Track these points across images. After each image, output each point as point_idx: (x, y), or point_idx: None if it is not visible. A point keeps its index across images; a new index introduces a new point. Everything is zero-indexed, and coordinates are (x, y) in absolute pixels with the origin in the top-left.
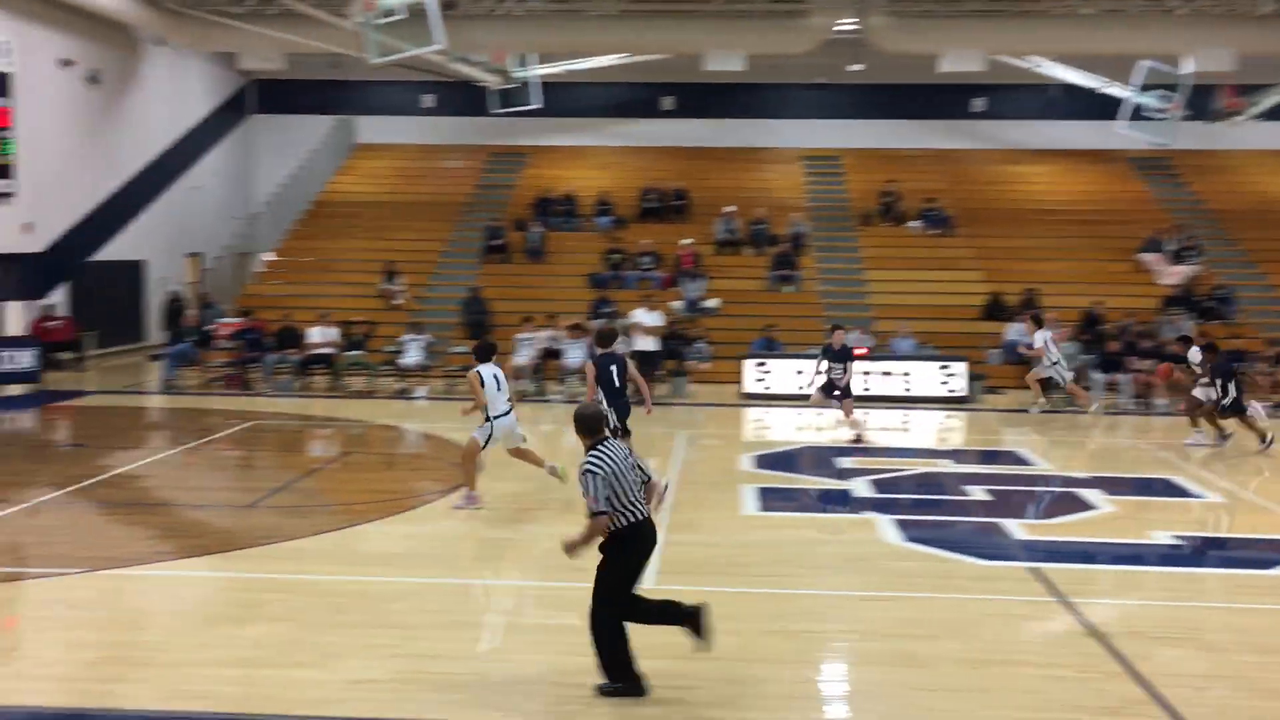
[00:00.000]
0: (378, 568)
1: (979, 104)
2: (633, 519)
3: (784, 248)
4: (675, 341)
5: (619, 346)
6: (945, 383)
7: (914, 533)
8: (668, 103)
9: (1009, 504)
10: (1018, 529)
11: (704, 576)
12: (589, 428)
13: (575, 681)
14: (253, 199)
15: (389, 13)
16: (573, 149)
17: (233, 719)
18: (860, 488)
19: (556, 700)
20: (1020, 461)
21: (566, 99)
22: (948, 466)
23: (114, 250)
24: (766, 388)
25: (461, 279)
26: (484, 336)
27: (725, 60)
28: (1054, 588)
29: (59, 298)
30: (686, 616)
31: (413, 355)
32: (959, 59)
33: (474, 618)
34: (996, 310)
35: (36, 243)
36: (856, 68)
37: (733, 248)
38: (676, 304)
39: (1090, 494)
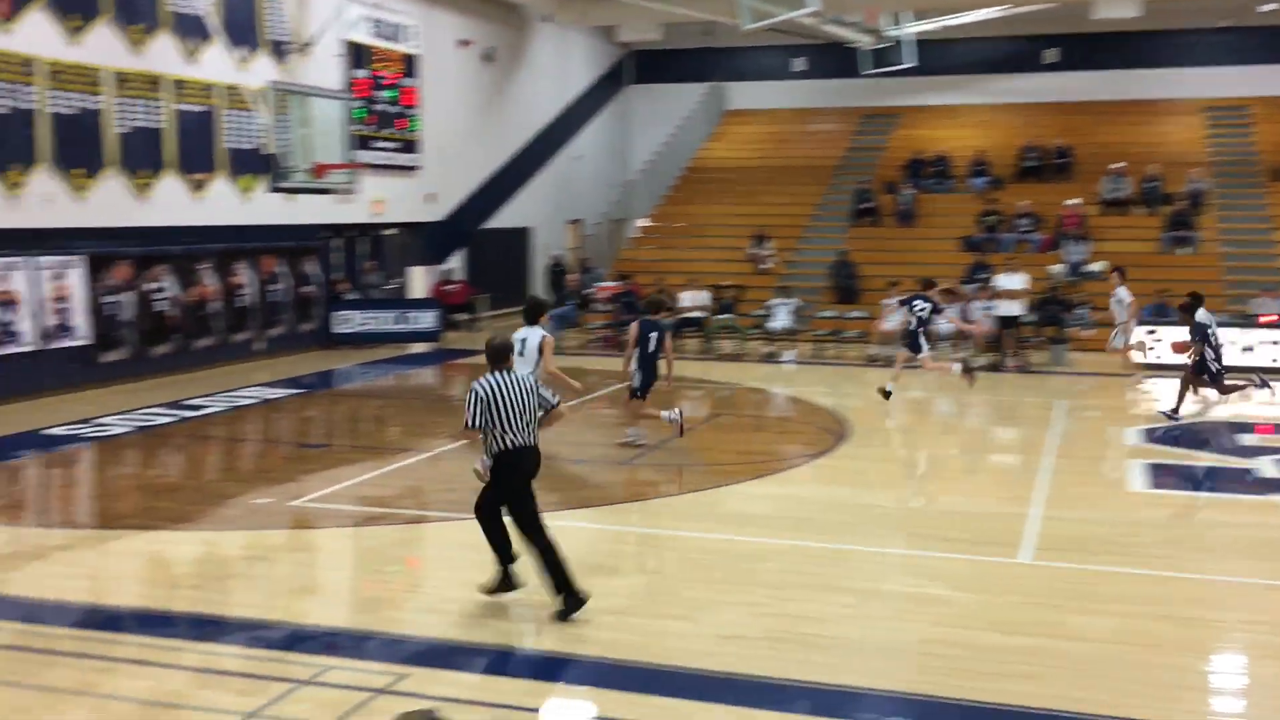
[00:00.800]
0: (747, 527)
1: None
2: (509, 445)
3: (1180, 206)
4: (1054, 307)
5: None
6: None
7: None
8: (1050, 55)
9: None
10: None
11: (1085, 554)
12: (490, 356)
13: (943, 652)
14: (628, 167)
15: None
16: (947, 108)
17: (613, 665)
18: (1266, 467)
19: (925, 670)
20: None
21: (941, 56)
22: None
23: (503, 218)
24: (1158, 357)
25: (830, 243)
26: (531, 297)
27: (1118, 6)
28: None
29: (456, 263)
30: (506, 558)
31: (781, 319)
32: None
33: (840, 582)
34: None
35: (438, 212)
36: (1268, 8)
37: (1121, 207)
38: (1057, 268)
39: None
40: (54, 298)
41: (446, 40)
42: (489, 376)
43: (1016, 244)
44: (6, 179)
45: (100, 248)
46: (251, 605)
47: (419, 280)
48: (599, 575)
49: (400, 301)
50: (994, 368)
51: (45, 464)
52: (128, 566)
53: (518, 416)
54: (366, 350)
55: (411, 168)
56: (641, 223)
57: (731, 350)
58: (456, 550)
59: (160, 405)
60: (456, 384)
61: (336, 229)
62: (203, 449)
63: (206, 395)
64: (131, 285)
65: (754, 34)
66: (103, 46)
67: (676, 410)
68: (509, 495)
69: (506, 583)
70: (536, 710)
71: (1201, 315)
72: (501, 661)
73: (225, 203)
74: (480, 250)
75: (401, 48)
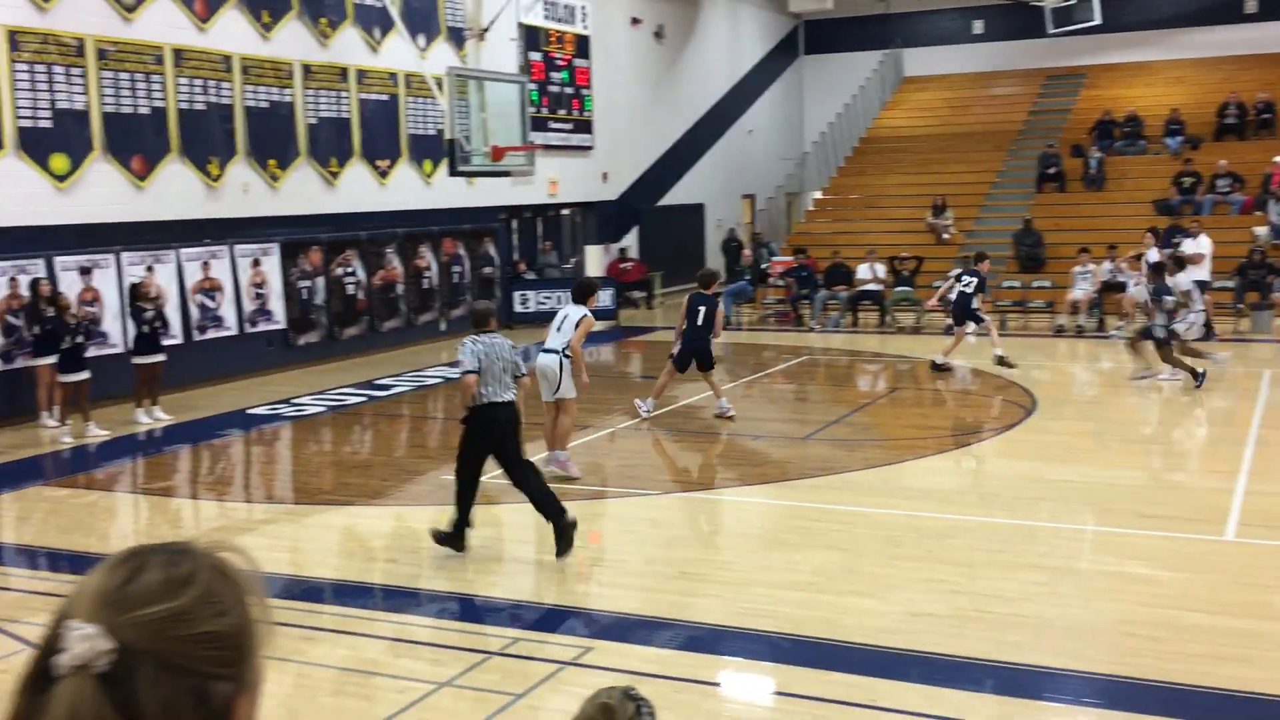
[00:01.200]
0: (930, 503)
1: None
2: (485, 401)
3: None
4: (1258, 271)
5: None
6: None
7: None
8: (1252, 4)
9: None
10: None
11: None
12: (474, 320)
13: (1143, 634)
14: (802, 140)
15: None
16: (1137, 65)
17: (796, 640)
18: None
19: (1123, 651)
20: None
21: (1130, 11)
22: None
23: (676, 195)
24: None
25: (1013, 211)
26: (581, 277)
27: None
28: None
29: (630, 241)
30: (463, 519)
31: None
32: None
33: (1032, 559)
34: None
35: (611, 191)
36: None
37: None
38: (1261, 230)
39: None
40: (252, 284)
41: (617, 19)
42: (476, 337)
43: (1215, 205)
44: (209, 172)
45: (293, 234)
46: (441, 578)
47: (594, 259)
48: (782, 550)
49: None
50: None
51: (247, 442)
52: (326, 540)
53: (499, 375)
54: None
55: (585, 148)
56: (816, 195)
57: (911, 323)
58: (637, 525)
59: (351, 385)
60: (633, 361)
61: (514, 210)
62: (392, 427)
63: (394, 375)
64: (322, 270)
65: None
66: (293, 41)
67: (646, 407)
68: (487, 446)
69: (455, 539)
70: (717, 684)
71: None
72: (684, 635)
73: (408, 188)
74: (654, 228)
75: (574, 29)
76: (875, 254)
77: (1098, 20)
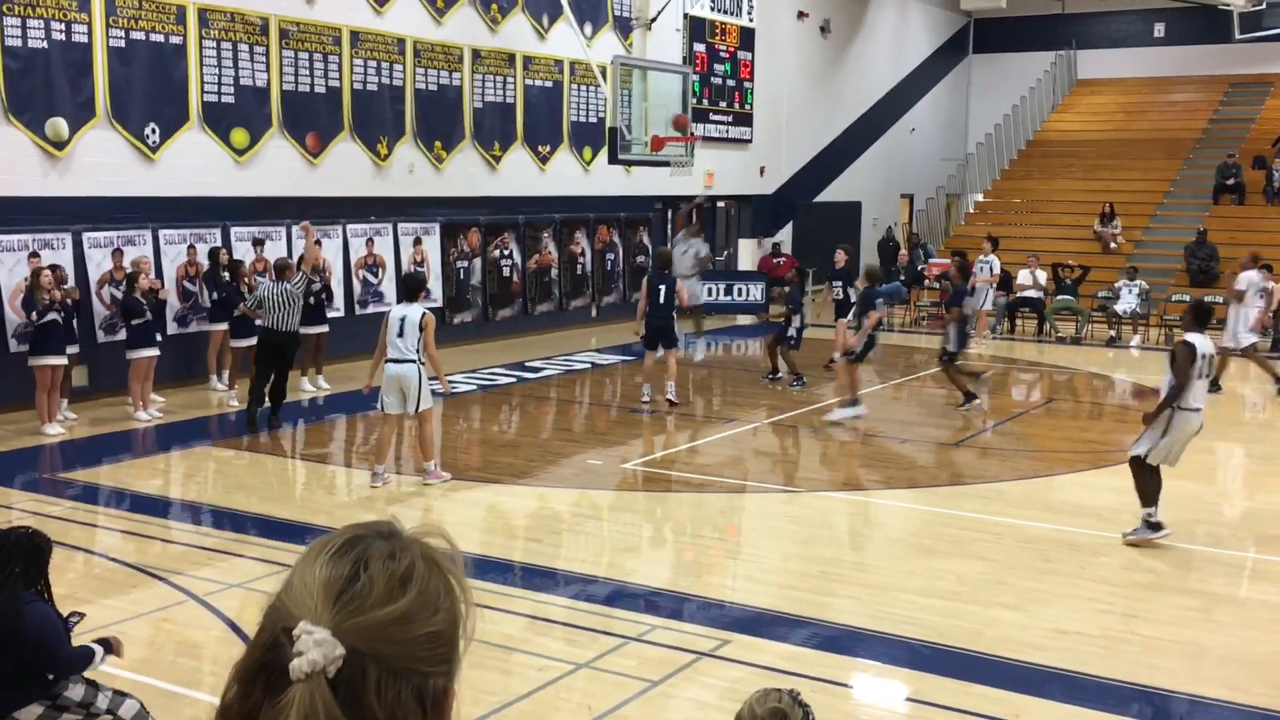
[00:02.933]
0: (1082, 519)
1: None
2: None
3: None
4: None
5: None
6: None
7: None
8: None
9: None
10: None
11: None
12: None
13: None
14: (966, 140)
15: None
16: None
17: (937, 649)
18: None
19: None
20: None
21: None
22: None
23: (833, 192)
24: None
25: (1186, 222)
26: (413, 273)
27: None
28: None
29: (783, 236)
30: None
31: (1127, 302)
32: None
33: (1188, 584)
34: None
35: (767, 185)
36: None
37: None
38: None
39: None
40: (412, 262)
41: (783, 12)
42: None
43: None
44: (378, 151)
45: (453, 215)
46: (581, 560)
47: (747, 252)
48: (926, 557)
49: (728, 273)
50: None
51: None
52: (472, 515)
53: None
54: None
55: (744, 140)
56: (977, 198)
57: (1072, 333)
58: (776, 521)
59: (502, 366)
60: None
61: (669, 201)
62: (539, 409)
63: (544, 358)
64: (480, 251)
65: None
66: (463, 26)
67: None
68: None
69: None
70: (849, 685)
71: None
72: (822, 635)
73: (567, 174)
74: (809, 224)
75: (739, 21)
76: (1038, 260)
77: None
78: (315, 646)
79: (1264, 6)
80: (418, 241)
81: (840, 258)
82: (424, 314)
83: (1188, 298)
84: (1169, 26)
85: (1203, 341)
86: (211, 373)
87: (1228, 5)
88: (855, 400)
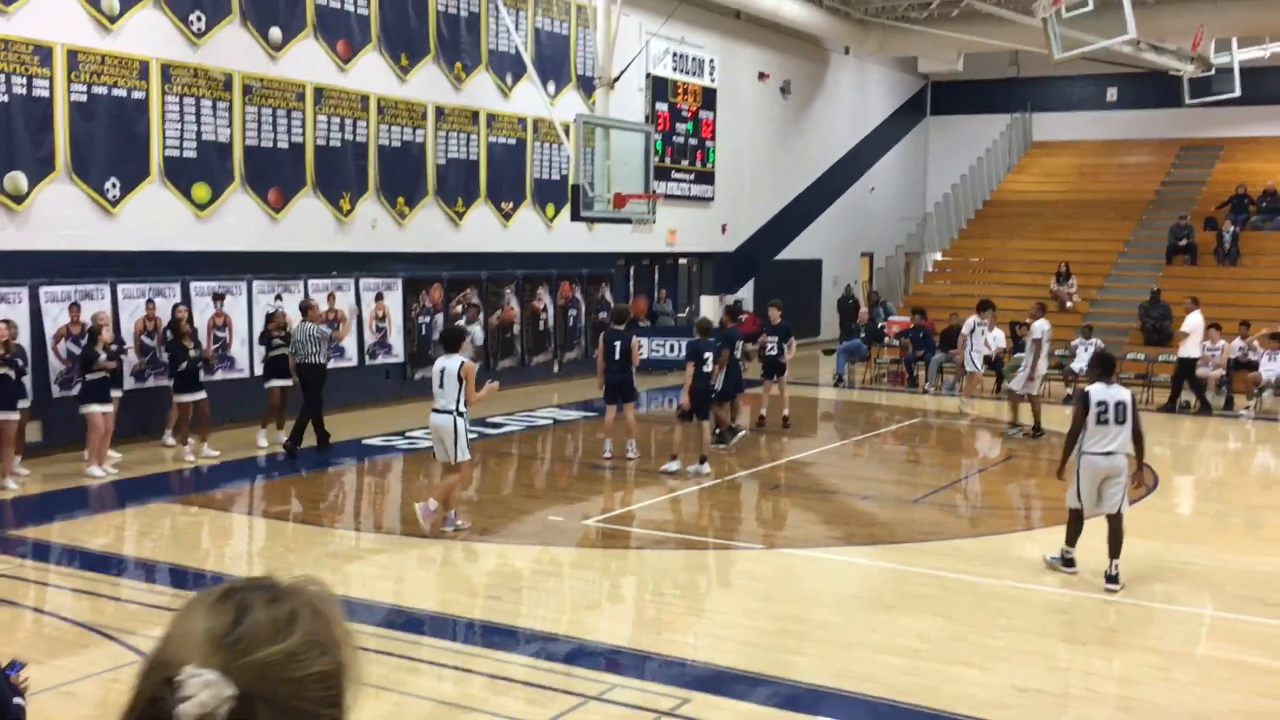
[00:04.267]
0: (1042, 575)
1: None
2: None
3: None
4: None
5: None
6: None
7: None
8: None
9: None
10: None
11: None
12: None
13: None
14: (924, 200)
15: (1078, 4)
16: (1277, 139)
17: (896, 707)
18: None
19: None
20: None
21: (1271, 83)
22: None
23: (794, 249)
24: None
25: (1140, 282)
26: (452, 326)
27: None
28: None
29: (745, 293)
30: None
31: (1083, 360)
32: None
33: (1145, 641)
34: None
35: (729, 243)
36: None
37: None
38: None
39: None
40: (374, 317)
41: (744, 73)
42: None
43: None
44: (340, 207)
45: (416, 270)
46: (541, 618)
47: (709, 309)
48: (886, 613)
49: (690, 329)
50: None
51: (360, 472)
52: (432, 572)
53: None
54: (656, 376)
55: (706, 198)
56: (936, 257)
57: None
58: (736, 578)
59: None
60: (743, 414)
61: (631, 258)
62: (500, 465)
63: (506, 414)
64: (442, 307)
65: (1064, 63)
66: (428, 84)
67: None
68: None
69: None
70: None
71: None
72: (783, 693)
73: (530, 230)
74: (770, 281)
75: (701, 81)
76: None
77: (1237, 92)
78: (204, 688)
79: (1213, 73)
80: (379, 297)
81: (774, 314)
82: (462, 364)
83: (1143, 356)
84: (1121, 91)
85: (1102, 390)
86: (168, 428)
87: (1178, 71)
88: (704, 459)
